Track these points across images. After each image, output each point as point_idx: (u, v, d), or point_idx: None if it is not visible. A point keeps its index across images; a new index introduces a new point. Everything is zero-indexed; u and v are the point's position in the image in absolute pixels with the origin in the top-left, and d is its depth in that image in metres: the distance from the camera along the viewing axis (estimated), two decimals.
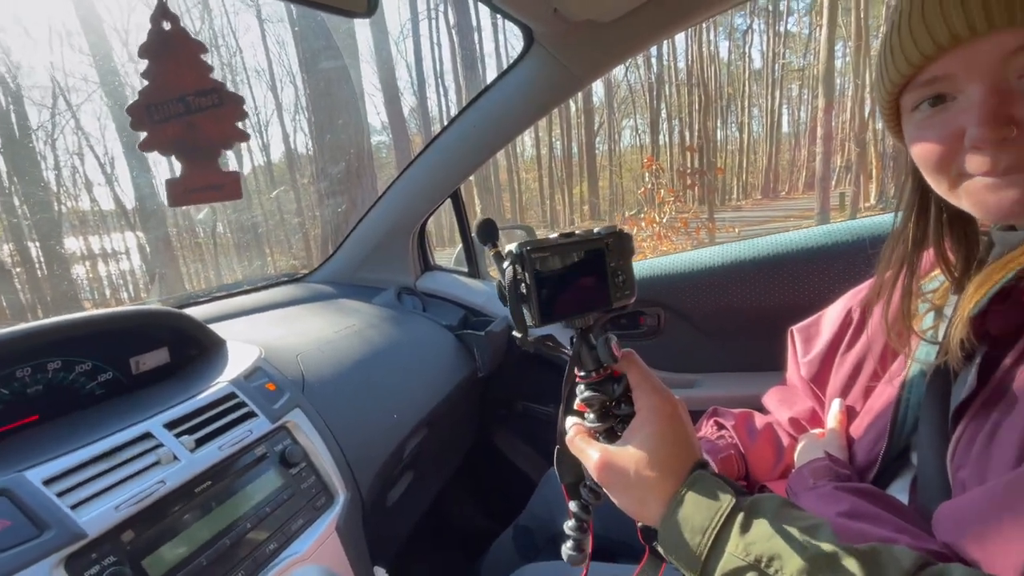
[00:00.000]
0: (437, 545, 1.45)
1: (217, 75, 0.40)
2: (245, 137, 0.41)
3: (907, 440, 0.53)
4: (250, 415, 0.71)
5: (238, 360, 0.82)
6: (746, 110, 21.52)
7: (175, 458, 0.62)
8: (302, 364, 0.89)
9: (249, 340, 0.91)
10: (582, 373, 0.46)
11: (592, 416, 0.46)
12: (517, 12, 0.92)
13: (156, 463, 0.61)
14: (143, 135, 0.39)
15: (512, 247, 0.41)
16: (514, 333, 0.44)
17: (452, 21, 15.11)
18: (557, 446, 0.49)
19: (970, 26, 0.38)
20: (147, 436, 0.63)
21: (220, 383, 0.74)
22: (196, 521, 0.61)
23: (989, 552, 0.35)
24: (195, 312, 1.12)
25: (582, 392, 0.46)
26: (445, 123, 1.24)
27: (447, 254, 1.75)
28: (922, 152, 0.45)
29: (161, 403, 0.69)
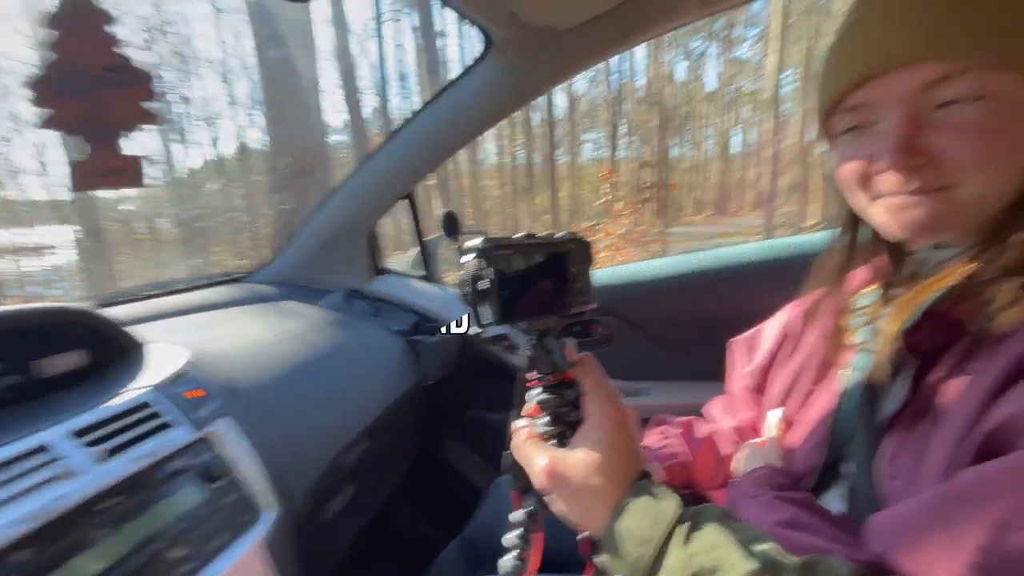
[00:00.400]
0: (379, 559, 1.39)
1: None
2: (154, 119, 0.37)
3: (843, 449, 0.55)
4: (169, 424, 0.65)
5: (161, 364, 0.76)
6: (700, 129, 22.41)
7: (79, 471, 0.56)
8: (235, 369, 0.83)
9: (177, 343, 0.85)
10: (537, 376, 0.46)
11: (544, 420, 0.46)
12: (476, 15, 0.90)
13: (57, 476, 0.55)
14: (45, 112, 0.35)
15: (476, 242, 0.41)
16: (470, 329, 0.43)
17: (416, 24, 15.01)
18: (508, 450, 0.48)
19: (887, 58, 0.40)
20: (48, 447, 0.57)
21: (138, 389, 0.68)
22: (101, 540, 0.55)
23: (921, 563, 0.36)
24: (122, 311, 1.04)
25: (536, 395, 0.46)
26: None
27: (407, 259, 1.71)
28: (842, 172, 0.47)
29: (69, 410, 0.63)
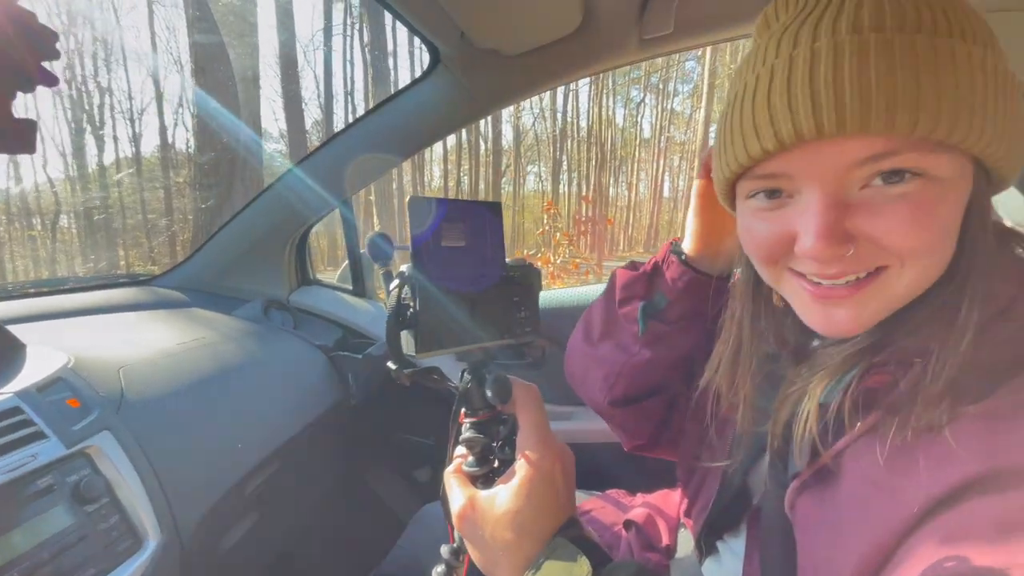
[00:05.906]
0: None
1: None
2: (52, 81, 0.33)
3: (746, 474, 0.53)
4: (37, 436, 0.57)
5: (35, 368, 0.66)
6: (635, 172, 23.67)
7: None
8: (124, 379, 0.74)
9: (59, 346, 0.75)
10: (467, 411, 0.43)
11: (471, 459, 0.43)
12: (425, 30, 0.90)
13: None
14: None
15: (405, 268, 0.38)
16: (388, 364, 0.39)
17: (366, 40, 14.92)
18: (443, 482, 0.45)
19: (818, 127, 0.33)
20: None
21: (2, 394, 0.58)
22: None
23: None
24: None
25: (464, 432, 0.43)
26: None
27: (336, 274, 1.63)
28: (752, 242, 0.42)
29: None
